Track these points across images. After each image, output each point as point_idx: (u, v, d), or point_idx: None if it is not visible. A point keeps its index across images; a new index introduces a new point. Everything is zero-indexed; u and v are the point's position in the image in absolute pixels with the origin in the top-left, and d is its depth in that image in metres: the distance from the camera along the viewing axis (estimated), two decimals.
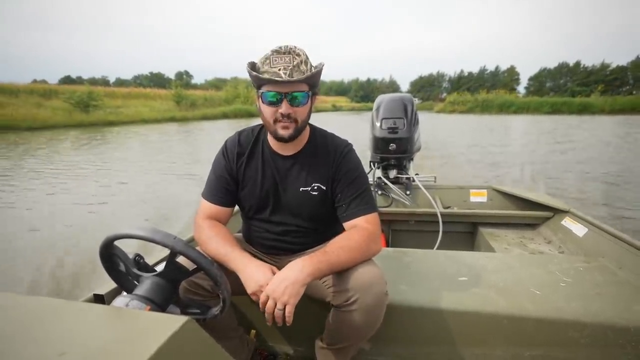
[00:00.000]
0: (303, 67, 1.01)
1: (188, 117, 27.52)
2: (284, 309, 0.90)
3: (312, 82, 1.05)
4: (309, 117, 1.11)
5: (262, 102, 1.04)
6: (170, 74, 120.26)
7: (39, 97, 24.35)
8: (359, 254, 1.00)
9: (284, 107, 1.02)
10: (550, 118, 28.30)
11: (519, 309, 1.17)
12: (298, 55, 1.00)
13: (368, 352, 1.28)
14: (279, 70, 0.99)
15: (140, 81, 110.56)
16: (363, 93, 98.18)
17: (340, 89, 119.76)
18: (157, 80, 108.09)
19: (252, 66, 1.04)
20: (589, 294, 1.25)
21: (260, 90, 1.04)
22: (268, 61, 1.00)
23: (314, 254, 0.97)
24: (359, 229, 1.06)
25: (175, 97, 31.13)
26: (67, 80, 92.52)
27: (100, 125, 20.99)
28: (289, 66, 0.99)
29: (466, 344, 1.21)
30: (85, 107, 23.06)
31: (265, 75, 0.98)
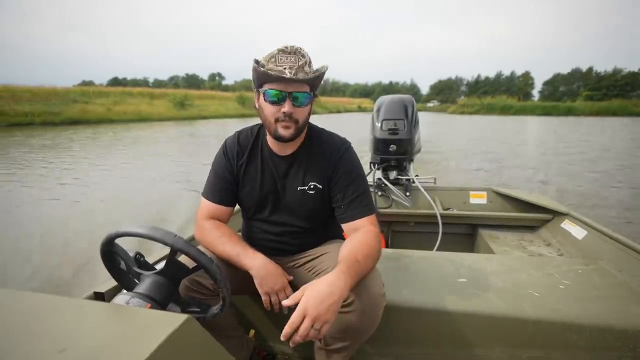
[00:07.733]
0: (307, 68, 1.02)
1: (254, 114, 35.63)
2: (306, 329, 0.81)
3: (314, 84, 1.06)
4: (308, 118, 1.11)
5: (265, 100, 1.04)
6: (204, 75, 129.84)
7: (148, 98, 33.31)
8: (376, 259, 1.02)
9: (287, 107, 1.01)
10: (541, 118, 35.62)
11: (518, 311, 1.16)
12: (303, 56, 1.01)
13: (367, 353, 1.26)
14: (285, 69, 0.98)
15: (175, 82, 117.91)
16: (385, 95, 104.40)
17: (364, 91, 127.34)
18: (191, 81, 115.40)
19: (257, 63, 1.03)
20: (588, 297, 1.24)
21: (263, 88, 1.04)
22: (273, 59, 1.00)
23: (349, 266, 0.90)
24: (369, 233, 1.05)
25: (239, 99, 40.01)
26: (115, 81, 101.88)
27: (198, 119, 29.41)
28: (294, 66, 0.99)
29: (465, 345, 1.20)
30: (182, 106, 31.69)
31: (272, 73, 0.98)
